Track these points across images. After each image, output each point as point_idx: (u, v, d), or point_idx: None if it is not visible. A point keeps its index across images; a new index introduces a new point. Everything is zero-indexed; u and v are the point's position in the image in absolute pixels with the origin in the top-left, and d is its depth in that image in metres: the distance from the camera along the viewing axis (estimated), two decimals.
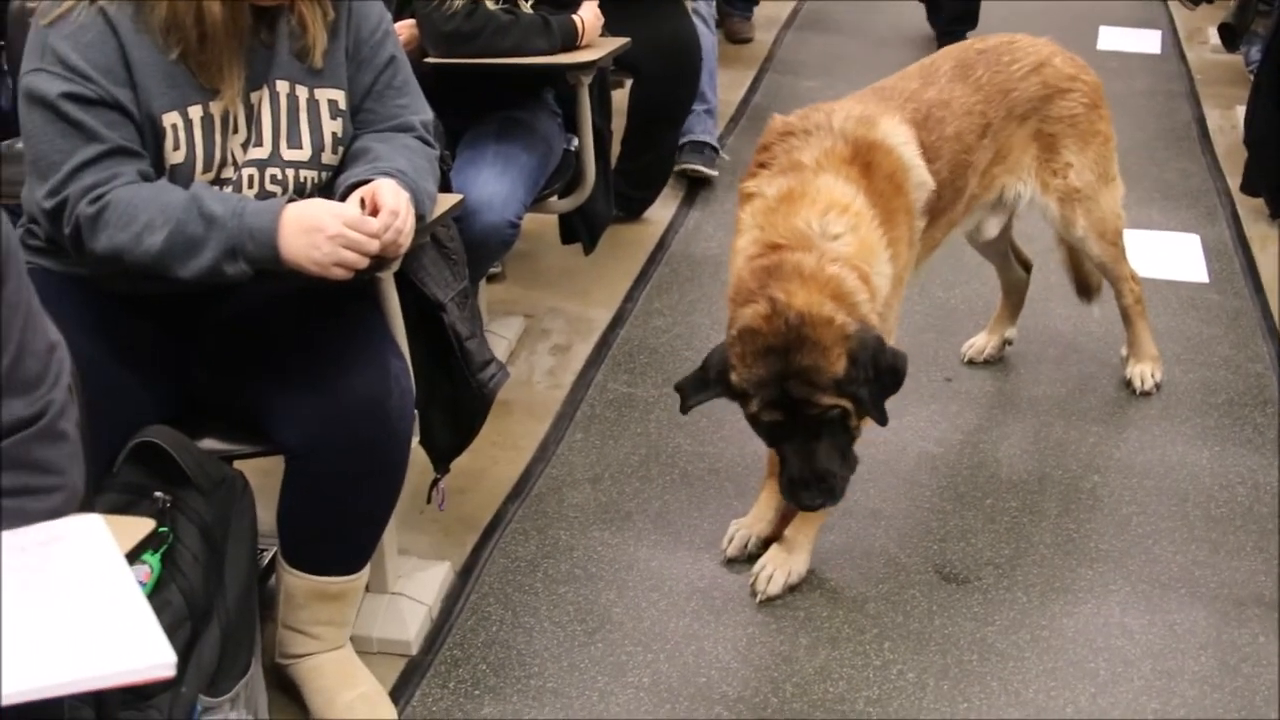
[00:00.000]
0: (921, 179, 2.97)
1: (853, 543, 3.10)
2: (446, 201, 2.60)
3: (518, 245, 4.52)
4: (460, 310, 2.78)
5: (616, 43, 3.73)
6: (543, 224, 4.73)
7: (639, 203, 4.76)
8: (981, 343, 3.85)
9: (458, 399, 2.80)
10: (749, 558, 3.04)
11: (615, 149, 4.68)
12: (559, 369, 3.90)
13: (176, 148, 2.31)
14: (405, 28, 3.44)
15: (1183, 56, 6.48)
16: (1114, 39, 6.78)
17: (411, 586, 2.91)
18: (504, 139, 3.55)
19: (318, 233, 2.17)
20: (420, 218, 2.40)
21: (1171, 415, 3.61)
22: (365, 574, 2.60)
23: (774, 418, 2.64)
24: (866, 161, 2.84)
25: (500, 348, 3.92)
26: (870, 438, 3.16)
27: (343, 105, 2.46)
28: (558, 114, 3.81)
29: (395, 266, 2.43)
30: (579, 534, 3.17)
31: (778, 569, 2.94)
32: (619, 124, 4.69)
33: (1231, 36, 5.48)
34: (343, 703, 2.56)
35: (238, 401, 2.49)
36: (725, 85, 6.09)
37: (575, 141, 3.83)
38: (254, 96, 2.37)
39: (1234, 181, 4.95)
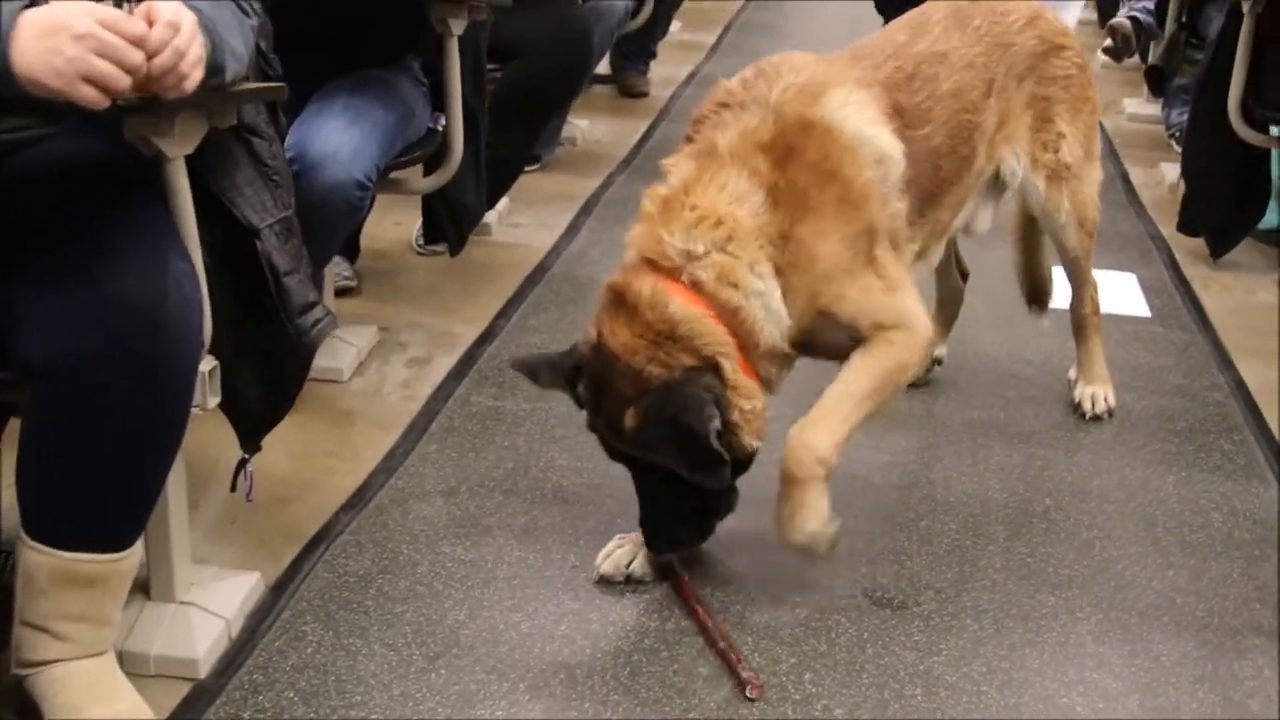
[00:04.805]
0: (882, 153, 2.45)
1: (759, 564, 2.52)
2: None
3: (373, 263, 4.00)
4: (280, 242, 2.21)
5: None
6: (402, 244, 4.22)
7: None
8: None
9: (271, 350, 2.24)
10: (627, 580, 2.46)
11: None
12: (415, 381, 3.31)
13: None
14: None
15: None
16: None
17: (207, 597, 2.28)
18: (357, 93, 3.01)
19: (61, 33, 1.60)
20: (218, 70, 1.84)
21: (1127, 440, 3.11)
22: (133, 556, 1.97)
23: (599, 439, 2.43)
24: (789, 146, 2.33)
25: (348, 356, 3.33)
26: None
27: None
28: (423, 83, 3.28)
29: (198, 137, 1.86)
30: (425, 548, 2.56)
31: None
32: None
33: (1160, 80, 5.16)
34: None
35: None
36: (619, 131, 5.68)
37: (443, 121, 3.30)
38: None
39: (1165, 229, 4.57)
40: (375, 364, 3.40)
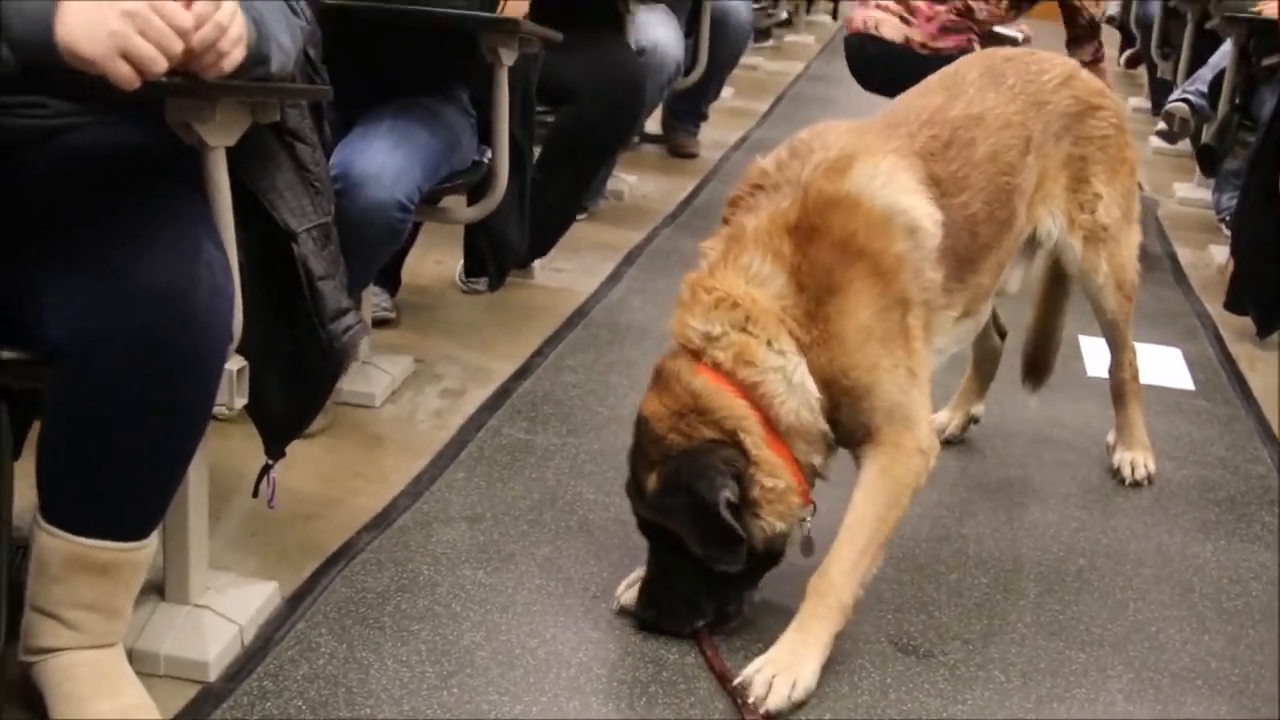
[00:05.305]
0: (916, 224, 2.40)
1: (786, 605, 2.46)
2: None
3: (413, 298, 4.00)
4: (318, 247, 2.21)
5: (546, 32, 3.23)
6: (443, 281, 4.22)
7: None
8: (943, 419, 3.28)
9: (301, 355, 2.22)
10: None
11: None
12: (448, 411, 3.29)
13: None
14: None
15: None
16: None
17: (222, 602, 2.26)
18: (403, 116, 3.03)
19: (110, 6, 1.59)
20: (262, 59, 1.85)
21: (1165, 508, 3.05)
22: (148, 548, 1.95)
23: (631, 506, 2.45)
24: (815, 225, 2.32)
25: (381, 382, 3.32)
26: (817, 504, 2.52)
27: None
28: (471, 115, 3.30)
29: (240, 129, 1.86)
30: (446, 571, 2.52)
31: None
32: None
33: (1211, 160, 5.12)
34: (95, 713, 1.88)
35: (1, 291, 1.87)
36: (666, 189, 5.70)
37: (489, 154, 3.31)
38: None
39: (1212, 307, 4.52)
40: (409, 393, 3.38)
